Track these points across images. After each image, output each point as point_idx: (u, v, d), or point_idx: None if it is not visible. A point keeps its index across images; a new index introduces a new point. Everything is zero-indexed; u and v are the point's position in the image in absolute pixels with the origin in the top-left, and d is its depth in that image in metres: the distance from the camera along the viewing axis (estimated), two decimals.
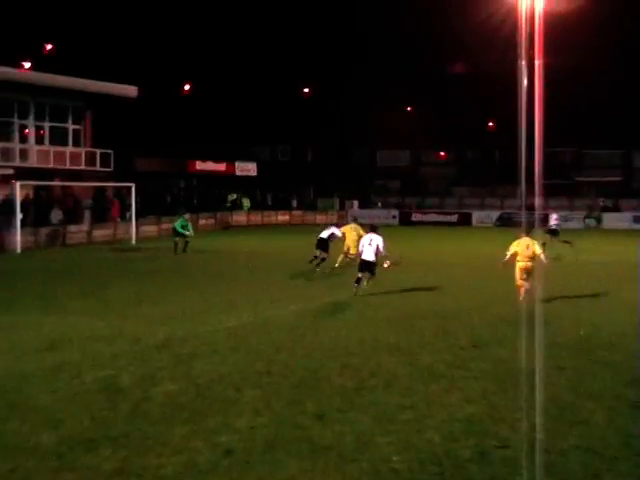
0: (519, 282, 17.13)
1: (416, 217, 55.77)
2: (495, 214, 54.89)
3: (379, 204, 60.44)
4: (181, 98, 59.42)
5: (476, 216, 55.17)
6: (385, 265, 19.51)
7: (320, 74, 63.49)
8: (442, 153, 71.57)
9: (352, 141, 67.74)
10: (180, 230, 29.92)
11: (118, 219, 39.91)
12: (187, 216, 31.03)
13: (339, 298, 18.17)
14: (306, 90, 66.70)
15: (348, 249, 24.06)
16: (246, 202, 56.47)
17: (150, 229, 40.57)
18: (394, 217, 55.15)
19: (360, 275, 19.01)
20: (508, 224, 52.86)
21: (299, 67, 62.63)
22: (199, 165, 55.32)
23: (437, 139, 66.57)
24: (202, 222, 45.09)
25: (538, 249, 17.40)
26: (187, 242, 29.93)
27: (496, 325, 14.59)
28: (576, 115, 56.83)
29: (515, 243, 17.35)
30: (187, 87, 61.01)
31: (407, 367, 11.22)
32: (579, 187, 60.49)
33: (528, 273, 17.06)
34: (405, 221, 54.58)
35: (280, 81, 62.65)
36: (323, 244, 23.91)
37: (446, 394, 9.86)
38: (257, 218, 53.62)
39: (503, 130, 63.08)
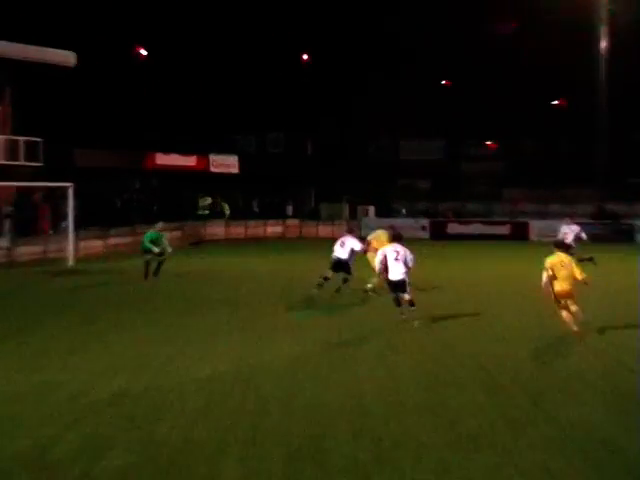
0: (560, 311, 18.24)
1: (453, 229, 55.86)
2: (561, 225, 54.83)
3: (403, 211, 60.61)
4: (136, 68, 59.63)
5: (535, 227, 55.20)
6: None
7: (322, 37, 63.74)
8: (489, 143, 71.74)
9: (367, 128, 67.98)
10: (148, 246, 29.79)
11: (50, 231, 39.98)
12: (160, 226, 31.09)
13: (349, 337, 18.14)
14: (304, 57, 66.91)
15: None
16: (225, 208, 56.72)
17: (94, 245, 40.68)
18: (423, 228, 55.26)
19: (396, 296, 20.01)
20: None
21: (295, 28, 62.86)
22: (160, 159, 55.52)
23: (482, 124, 66.78)
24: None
25: (578, 270, 18.31)
26: (160, 263, 29.99)
27: (563, 377, 14.56)
28: None
29: (549, 260, 18.30)
30: (143, 53, 61.26)
31: (442, 433, 11.19)
32: None
33: (569, 297, 18.10)
34: (438, 234, 54.68)
35: (270, 48, 62.89)
36: (344, 267, 24.45)
37: (496, 470, 9.81)
38: (239, 230, 53.83)
39: (573, 111, 63.59)
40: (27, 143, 42.98)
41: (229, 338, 18.22)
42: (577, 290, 18.28)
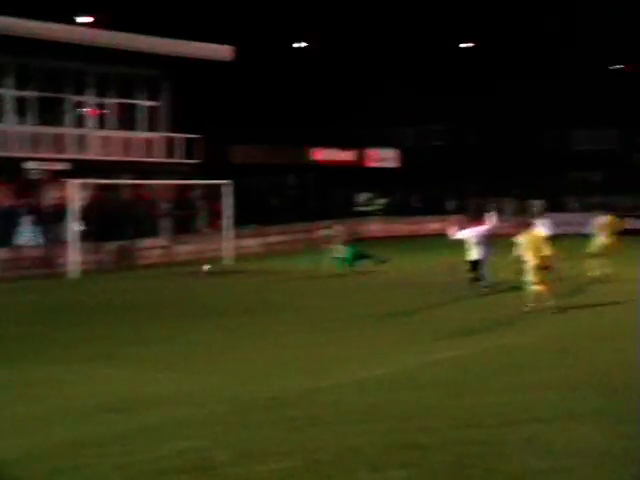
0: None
1: (632, 224, 54.10)
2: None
3: (576, 206, 59.13)
4: (294, 60, 60.12)
5: None
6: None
7: (487, 20, 62.71)
8: None
9: (534, 117, 66.67)
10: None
11: (207, 230, 40.71)
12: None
13: (521, 341, 17.89)
14: (468, 46, 66.10)
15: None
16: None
17: (250, 244, 41.17)
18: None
19: None
20: None
21: (458, 15, 62.04)
22: (318, 154, 55.76)
23: None
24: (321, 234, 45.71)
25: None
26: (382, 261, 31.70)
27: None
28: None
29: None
30: (302, 45, 61.76)
31: None
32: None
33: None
34: None
35: (428, 36, 62.42)
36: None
37: None
38: (398, 227, 53.54)
39: None
40: (186, 140, 44.01)
41: (391, 340, 18.23)
42: None
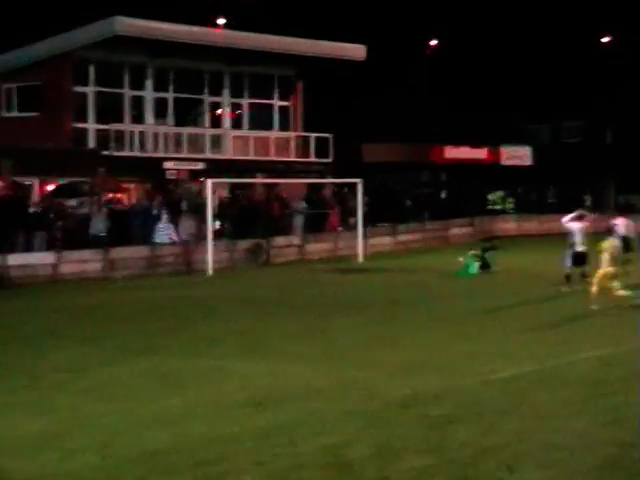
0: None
1: None
2: None
3: None
4: (425, 59, 59.98)
5: None
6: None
7: (626, 14, 61.21)
8: None
9: None
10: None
11: (339, 228, 40.92)
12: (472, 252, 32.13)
13: None
14: (604, 40, 64.72)
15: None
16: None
17: (382, 242, 41.12)
18: None
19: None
20: None
21: (596, 9, 60.76)
22: (449, 152, 55.53)
23: None
24: (454, 232, 45.49)
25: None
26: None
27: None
28: None
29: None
30: (433, 42, 61.47)
31: None
32: None
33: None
34: None
35: (564, 31, 61.31)
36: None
37: None
38: (531, 225, 52.69)
39: None
40: (317, 139, 44.36)
41: (526, 337, 18.12)
42: None
